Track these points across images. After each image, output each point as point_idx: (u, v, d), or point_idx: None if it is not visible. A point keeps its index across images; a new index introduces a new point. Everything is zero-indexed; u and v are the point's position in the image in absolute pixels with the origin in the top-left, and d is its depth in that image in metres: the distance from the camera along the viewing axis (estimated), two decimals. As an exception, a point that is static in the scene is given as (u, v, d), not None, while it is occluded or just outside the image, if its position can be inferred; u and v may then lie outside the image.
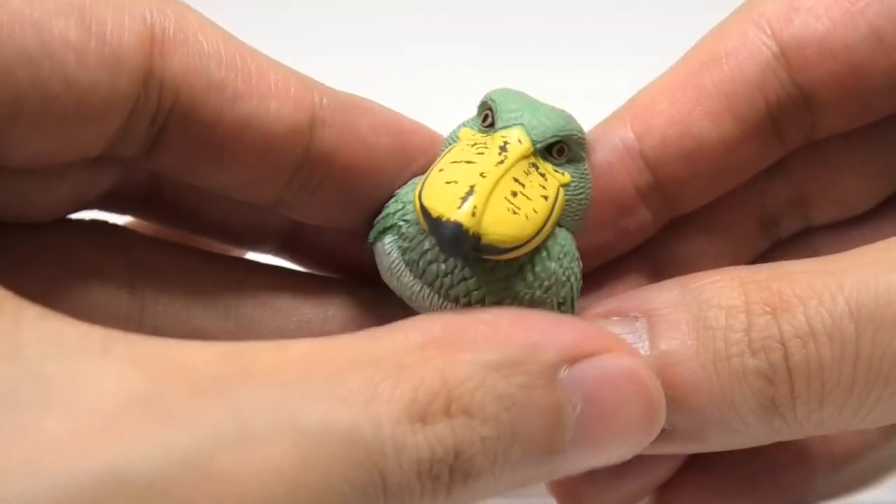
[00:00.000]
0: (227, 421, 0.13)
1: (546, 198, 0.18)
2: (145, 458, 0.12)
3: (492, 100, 0.19)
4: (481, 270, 0.18)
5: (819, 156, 0.23)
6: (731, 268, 0.19)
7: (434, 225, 0.16)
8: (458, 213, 0.16)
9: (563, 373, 0.16)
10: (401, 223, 0.18)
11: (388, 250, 0.19)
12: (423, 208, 0.16)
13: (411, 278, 0.18)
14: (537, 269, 0.18)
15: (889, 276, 0.17)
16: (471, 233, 0.16)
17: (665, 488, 0.23)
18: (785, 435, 0.18)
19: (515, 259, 0.18)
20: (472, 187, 0.16)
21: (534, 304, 0.18)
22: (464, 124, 0.20)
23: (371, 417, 0.14)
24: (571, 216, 0.19)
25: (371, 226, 0.20)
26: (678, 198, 0.22)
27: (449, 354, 0.15)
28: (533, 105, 0.19)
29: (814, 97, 0.21)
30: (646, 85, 0.22)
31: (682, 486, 0.23)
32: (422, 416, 0.14)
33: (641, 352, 0.18)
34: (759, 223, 0.24)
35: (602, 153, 0.21)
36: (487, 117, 0.19)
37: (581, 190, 0.19)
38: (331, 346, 0.15)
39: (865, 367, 0.17)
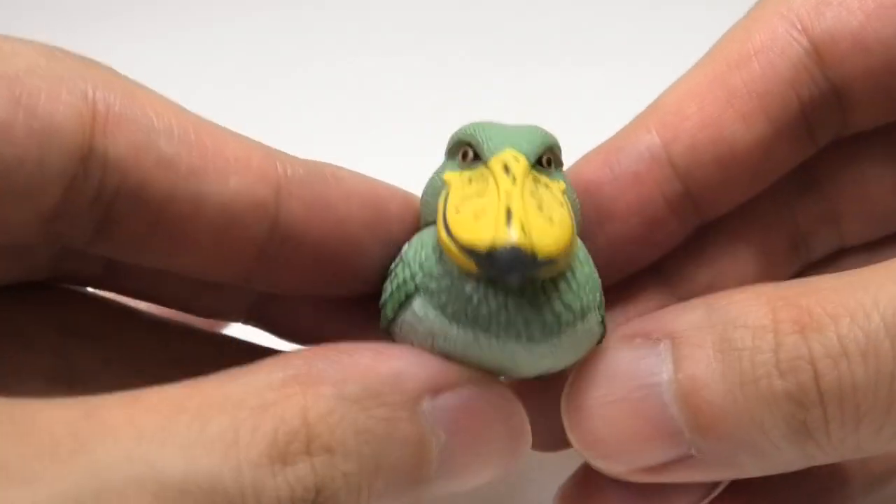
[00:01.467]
0: (87, 479, 0.13)
1: (561, 204, 0.17)
2: None
3: (469, 135, 0.18)
4: (531, 295, 0.17)
5: (853, 170, 0.23)
6: (758, 285, 0.18)
7: (487, 258, 0.15)
8: (511, 236, 0.15)
9: (426, 404, 0.16)
10: (427, 282, 0.17)
11: (421, 315, 0.17)
12: (464, 247, 0.15)
13: (462, 332, 0.17)
14: (577, 275, 0.17)
15: None
16: (528, 252, 0.15)
17: None
18: (820, 459, 0.17)
19: (557, 272, 0.17)
20: (508, 209, 0.16)
21: (584, 312, 0.17)
22: (439, 172, 0.19)
23: (231, 463, 0.14)
24: (576, 220, 0.19)
25: (365, 305, 0.19)
26: (708, 205, 0.21)
27: (310, 389, 0.15)
28: (507, 128, 0.19)
29: (847, 93, 0.20)
30: (669, 87, 0.21)
31: None
32: (282, 457, 0.14)
33: (665, 376, 0.17)
34: (790, 242, 0.23)
35: (627, 163, 0.20)
36: (467, 154, 0.18)
37: (573, 192, 0.19)
38: (190, 391, 0.15)
39: None
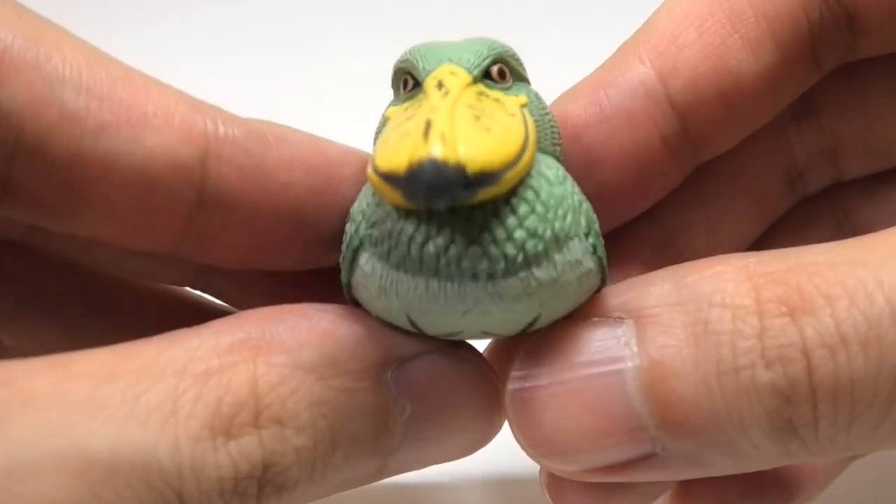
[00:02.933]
0: None
1: (511, 115, 0.14)
2: None
3: (404, 59, 0.16)
4: (483, 223, 0.14)
5: (856, 98, 0.20)
6: (735, 255, 0.15)
7: (406, 181, 0.13)
8: (427, 149, 0.12)
9: (391, 373, 0.15)
10: (367, 233, 0.15)
11: (368, 270, 0.15)
12: (384, 175, 0.13)
13: (411, 280, 0.14)
14: (542, 196, 0.15)
15: None
16: (451, 164, 0.12)
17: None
18: (802, 458, 0.15)
19: (515, 194, 0.14)
20: (428, 122, 0.13)
21: (559, 239, 0.15)
22: (385, 109, 0.16)
23: (168, 437, 0.13)
24: (548, 140, 0.16)
25: (327, 276, 0.17)
26: (708, 144, 0.19)
27: (261, 356, 0.14)
28: (449, 44, 0.16)
29: (859, 17, 0.18)
30: (661, 6, 0.18)
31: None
32: (226, 430, 0.13)
33: (628, 362, 0.15)
34: (785, 178, 0.21)
35: (619, 100, 0.18)
36: (408, 82, 0.16)
37: (543, 109, 0.16)
38: (125, 356, 0.14)
39: None
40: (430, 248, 0.14)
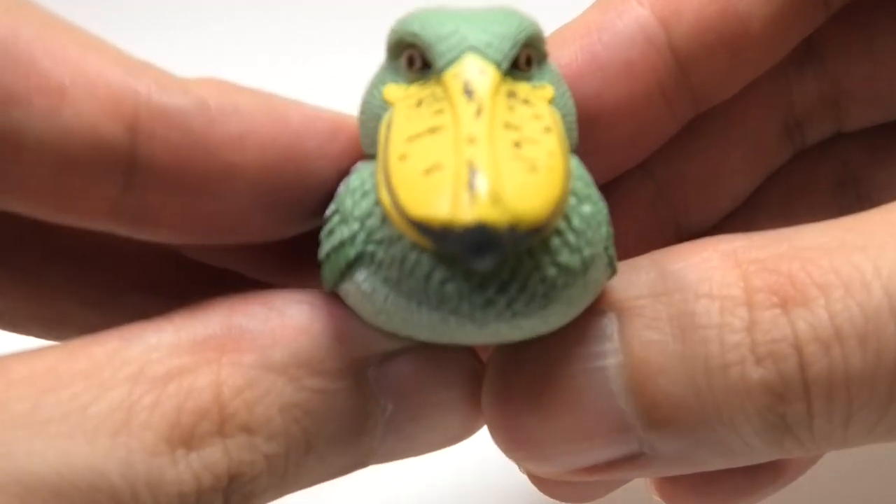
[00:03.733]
0: None
1: (548, 129, 0.13)
2: None
3: (411, 33, 0.14)
4: (515, 266, 0.13)
5: (861, 42, 0.19)
6: (726, 238, 0.14)
7: (444, 240, 0.11)
8: (478, 210, 0.11)
9: (371, 371, 0.14)
10: (371, 249, 0.13)
11: (368, 290, 0.13)
12: (415, 224, 0.11)
13: (425, 314, 0.13)
14: (574, 223, 0.13)
15: None
16: (502, 228, 0.11)
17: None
18: (796, 454, 0.14)
19: (546, 235, 0.13)
20: (470, 165, 0.11)
21: (586, 265, 0.13)
22: (381, 81, 0.14)
23: (119, 453, 0.12)
24: (568, 134, 0.14)
25: (301, 255, 0.15)
26: (708, 94, 0.18)
27: (226, 356, 0.13)
28: (467, 15, 0.14)
29: None
30: None
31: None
32: (185, 441, 0.12)
33: (612, 359, 0.14)
34: (783, 127, 0.20)
35: (616, 48, 0.16)
36: (414, 60, 0.14)
37: (565, 95, 0.15)
38: (72, 358, 0.12)
39: None
40: (451, 288, 0.13)
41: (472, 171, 0.11)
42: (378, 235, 0.13)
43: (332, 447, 0.14)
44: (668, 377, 0.14)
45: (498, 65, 0.13)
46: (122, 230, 0.15)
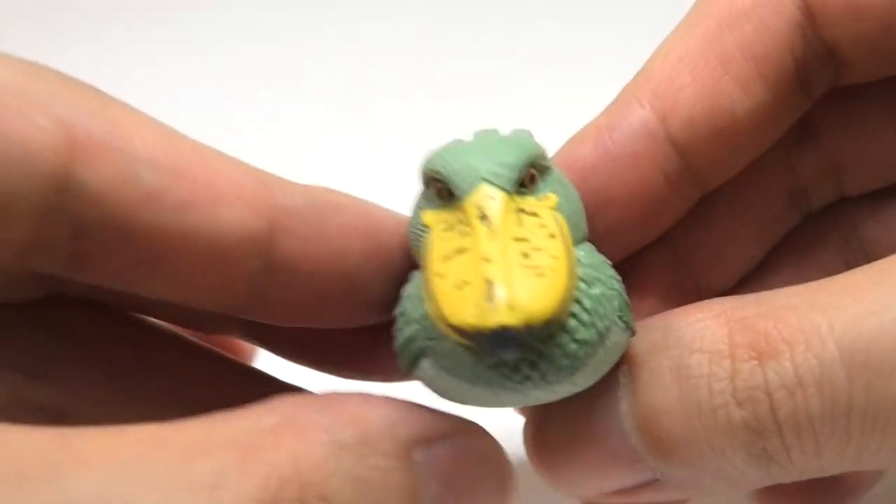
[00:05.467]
0: None
1: (553, 236, 0.15)
2: None
3: (436, 171, 0.17)
4: (541, 348, 0.16)
5: (852, 120, 0.21)
6: (720, 301, 0.17)
7: (476, 340, 0.14)
8: (497, 317, 0.14)
9: (418, 454, 0.15)
10: (431, 344, 0.16)
11: (433, 375, 0.16)
12: (454, 329, 0.14)
13: (479, 390, 0.16)
14: (586, 304, 0.16)
15: (885, 313, 0.15)
16: (518, 328, 0.14)
17: None
18: (787, 479, 0.17)
19: (559, 324, 0.16)
20: (488, 282, 0.14)
21: (603, 336, 0.16)
22: (419, 207, 0.17)
23: None
24: (575, 229, 0.17)
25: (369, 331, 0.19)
26: (709, 176, 0.20)
27: (302, 436, 0.14)
28: (479, 149, 0.17)
29: (840, 53, 0.19)
30: (657, 51, 0.20)
31: None
32: (274, 501, 0.13)
33: (624, 404, 0.17)
34: (789, 198, 0.22)
35: (623, 142, 0.19)
36: (442, 191, 0.17)
37: (569, 199, 0.17)
38: (175, 430, 0.14)
39: (860, 417, 0.15)
40: (495, 372, 0.15)
41: (489, 285, 0.14)
42: (433, 334, 0.16)
43: None
44: (668, 418, 0.16)
45: (505, 187, 0.16)
46: (249, 310, 0.18)
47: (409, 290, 0.17)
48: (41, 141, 0.15)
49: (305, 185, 0.18)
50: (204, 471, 0.13)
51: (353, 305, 0.18)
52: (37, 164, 0.15)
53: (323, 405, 0.15)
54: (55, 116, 0.15)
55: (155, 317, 0.20)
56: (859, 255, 0.22)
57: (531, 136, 0.18)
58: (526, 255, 0.15)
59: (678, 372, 0.16)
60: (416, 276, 0.17)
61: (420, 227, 0.17)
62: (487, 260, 0.14)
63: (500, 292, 0.14)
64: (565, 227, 0.16)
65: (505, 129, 0.18)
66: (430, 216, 0.17)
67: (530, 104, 0.21)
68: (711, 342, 0.16)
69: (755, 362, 0.16)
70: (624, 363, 0.17)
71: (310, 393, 0.16)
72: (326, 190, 0.18)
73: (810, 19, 0.19)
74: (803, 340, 0.15)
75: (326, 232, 0.17)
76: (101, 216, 0.16)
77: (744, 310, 0.16)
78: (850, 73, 0.20)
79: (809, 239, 0.23)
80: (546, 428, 0.18)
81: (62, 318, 0.19)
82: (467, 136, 0.18)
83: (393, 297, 0.18)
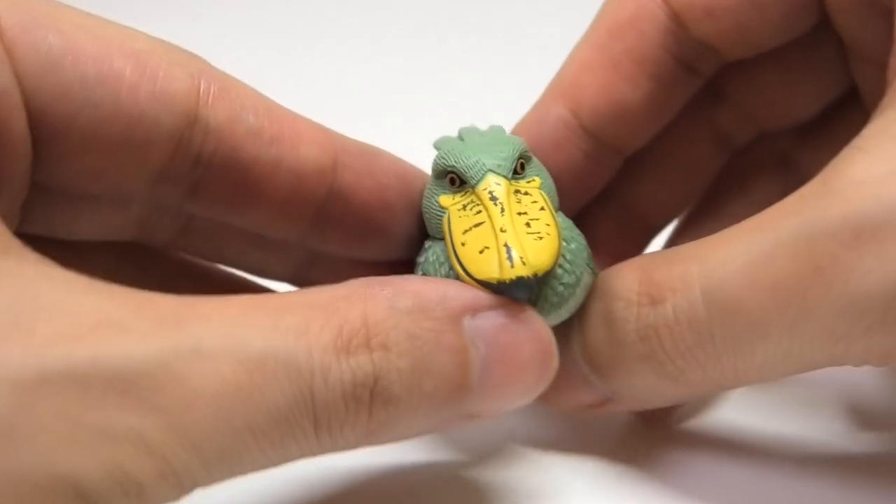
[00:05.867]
0: (184, 341, 0.15)
1: (543, 208, 0.20)
2: (116, 356, 0.15)
3: (451, 166, 0.21)
4: (540, 288, 0.20)
5: (751, 81, 0.25)
6: (641, 257, 0.21)
7: (498, 288, 0.19)
8: (515, 271, 0.18)
9: (467, 321, 0.18)
10: None
11: None
12: (481, 282, 0.19)
13: None
14: (568, 257, 0.21)
15: (732, 263, 0.18)
16: (529, 278, 0.19)
17: None
18: (696, 392, 0.21)
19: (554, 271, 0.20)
20: (507, 246, 0.19)
21: (579, 279, 0.21)
22: (434, 193, 0.22)
23: (303, 346, 0.16)
24: (553, 201, 0.22)
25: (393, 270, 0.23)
26: (623, 147, 0.25)
27: (369, 301, 0.17)
28: (482, 146, 0.21)
29: (710, 44, 0.23)
30: (567, 58, 0.24)
31: None
32: (346, 349, 0.17)
33: (575, 339, 0.21)
34: (712, 141, 0.26)
35: (547, 133, 0.24)
36: (455, 180, 0.21)
37: (547, 178, 0.22)
38: (268, 297, 0.17)
39: (721, 346, 0.19)
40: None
41: (507, 248, 0.19)
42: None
43: (443, 375, 0.18)
44: (601, 352, 0.21)
45: (507, 177, 0.21)
46: (313, 236, 0.22)
47: (429, 257, 0.21)
48: (178, 88, 0.19)
49: (354, 139, 0.22)
50: (293, 321, 0.16)
51: (390, 236, 0.23)
52: (175, 104, 0.19)
53: (387, 283, 0.18)
54: (187, 72, 0.20)
55: (225, 264, 0.24)
56: (791, 181, 0.25)
57: (503, 130, 0.23)
58: (528, 225, 0.20)
59: (605, 315, 0.21)
60: (432, 246, 0.22)
61: (437, 208, 0.22)
62: (503, 230, 0.19)
63: (515, 254, 0.19)
64: (549, 201, 0.21)
65: (484, 124, 0.23)
66: (445, 199, 0.21)
67: (517, 102, 0.26)
68: (626, 291, 0.20)
69: (649, 307, 0.20)
70: None
71: (374, 277, 0.19)
72: (369, 144, 0.23)
73: (679, 24, 0.22)
74: (680, 287, 0.19)
75: (373, 170, 0.22)
76: (215, 148, 0.20)
77: (652, 264, 0.20)
78: (728, 55, 0.23)
79: (747, 172, 0.27)
80: None
81: (149, 259, 0.23)
82: (452, 131, 0.23)
83: (415, 236, 0.23)
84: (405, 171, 0.23)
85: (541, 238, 0.19)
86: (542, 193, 0.21)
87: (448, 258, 0.20)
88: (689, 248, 0.20)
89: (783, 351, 0.18)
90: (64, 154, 0.19)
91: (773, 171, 0.27)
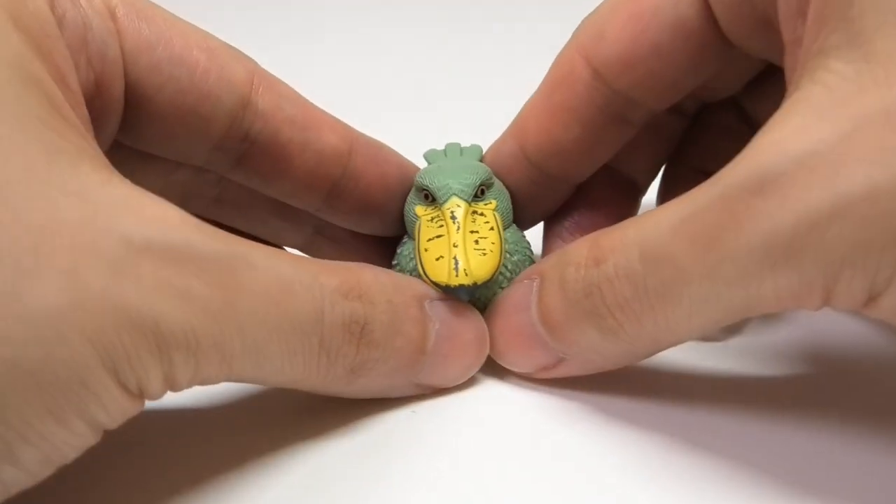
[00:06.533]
0: (241, 252, 0.20)
1: (493, 228, 0.25)
2: (198, 242, 0.19)
3: (426, 186, 0.26)
4: (482, 292, 0.25)
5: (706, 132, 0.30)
6: (597, 232, 0.23)
7: (446, 289, 0.24)
8: (458, 279, 0.24)
9: (427, 303, 0.23)
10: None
11: None
12: (434, 283, 0.24)
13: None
14: (510, 266, 0.26)
15: (663, 223, 0.20)
16: (469, 285, 0.24)
17: None
18: (634, 348, 0.22)
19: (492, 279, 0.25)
20: (455, 258, 0.24)
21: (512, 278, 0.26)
22: (413, 202, 0.27)
23: (318, 284, 0.21)
24: (507, 219, 0.27)
25: (384, 244, 0.29)
26: (566, 175, 0.28)
27: (363, 272, 0.22)
28: (454, 171, 0.26)
29: (631, 95, 0.26)
30: (523, 105, 0.28)
31: None
32: (346, 295, 0.21)
33: (533, 304, 0.24)
34: (668, 113, 0.29)
35: (503, 163, 0.28)
36: (428, 196, 0.26)
37: (504, 201, 0.27)
38: (296, 258, 0.22)
39: (654, 296, 0.20)
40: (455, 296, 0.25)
41: (455, 260, 0.24)
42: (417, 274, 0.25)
43: (408, 337, 0.23)
44: (557, 312, 0.23)
45: (467, 199, 0.25)
46: (327, 208, 0.27)
47: (403, 251, 0.27)
48: (238, 77, 0.24)
49: (359, 132, 0.28)
50: (312, 267, 0.21)
51: (386, 214, 0.28)
52: (234, 88, 0.24)
53: (381, 270, 0.23)
54: (244, 67, 0.25)
55: (247, 230, 0.28)
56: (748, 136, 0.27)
57: (480, 150, 0.29)
58: (476, 242, 0.24)
59: (560, 280, 0.23)
60: (406, 243, 0.27)
61: (412, 215, 0.27)
62: (455, 245, 0.24)
63: (461, 266, 0.24)
64: (500, 222, 0.26)
65: (465, 141, 0.29)
66: (420, 209, 0.26)
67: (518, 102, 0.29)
68: (578, 257, 0.23)
69: (595, 268, 0.22)
70: (535, 275, 0.24)
71: (360, 263, 0.24)
72: (374, 138, 0.28)
73: (601, 80, 0.26)
74: (619, 247, 0.21)
75: (378, 159, 0.27)
76: (261, 128, 0.25)
77: (602, 234, 0.22)
78: (653, 104, 0.26)
79: (709, 131, 0.30)
80: (491, 318, 0.25)
81: None
82: (440, 144, 0.29)
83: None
84: (403, 164, 0.28)
85: (485, 254, 0.24)
86: (496, 214, 0.26)
87: (415, 257, 0.25)
88: (631, 219, 0.22)
89: (705, 294, 0.20)
90: (147, 117, 0.24)
91: (732, 127, 0.29)
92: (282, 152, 0.26)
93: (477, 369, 0.25)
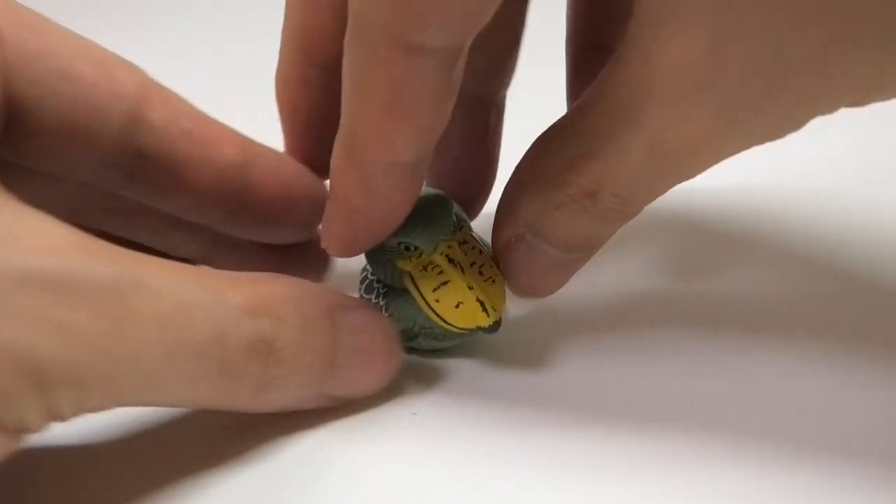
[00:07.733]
0: (135, 274, 0.19)
1: (481, 251, 0.24)
2: (83, 271, 0.18)
3: (409, 244, 0.24)
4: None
5: None
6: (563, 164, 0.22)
7: (477, 331, 0.23)
8: (492, 318, 0.23)
9: (339, 315, 0.22)
10: (424, 331, 0.25)
11: (423, 343, 0.25)
12: (463, 329, 0.23)
13: (447, 344, 0.25)
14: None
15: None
16: (497, 321, 0.23)
17: None
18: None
19: None
20: (479, 300, 0.23)
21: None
22: (389, 257, 0.24)
23: (221, 302, 0.20)
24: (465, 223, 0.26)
25: (287, 252, 0.28)
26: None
27: (273, 284, 0.21)
28: (426, 217, 0.24)
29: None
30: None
31: None
32: (253, 312, 0.20)
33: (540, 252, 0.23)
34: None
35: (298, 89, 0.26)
36: (409, 248, 0.24)
37: (462, 213, 0.26)
38: (196, 266, 0.21)
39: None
40: (462, 337, 0.25)
41: (480, 302, 0.23)
42: (427, 324, 0.24)
43: (318, 351, 0.21)
44: (577, 234, 0.23)
45: (453, 235, 0.24)
46: (227, 221, 0.26)
47: (390, 307, 0.25)
48: (128, 90, 0.23)
49: (267, 146, 0.26)
50: (216, 284, 0.20)
51: (290, 221, 0.27)
52: (124, 102, 0.23)
53: (293, 281, 0.22)
54: (135, 79, 0.23)
55: (144, 242, 0.26)
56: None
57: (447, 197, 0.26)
58: (481, 273, 0.24)
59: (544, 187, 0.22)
60: (393, 298, 0.25)
61: (390, 267, 0.24)
62: (471, 287, 0.23)
63: (487, 305, 0.23)
64: (477, 239, 0.25)
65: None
66: (403, 263, 0.24)
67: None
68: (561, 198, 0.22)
69: (590, 199, 0.22)
70: (520, 228, 0.23)
71: (273, 273, 0.22)
72: (274, 149, 0.27)
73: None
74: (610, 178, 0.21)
75: (279, 168, 0.26)
76: (153, 143, 0.24)
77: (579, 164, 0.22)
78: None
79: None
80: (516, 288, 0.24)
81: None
82: None
83: (310, 219, 0.27)
84: (304, 173, 0.27)
85: (494, 282, 0.24)
86: (473, 235, 0.25)
87: (419, 311, 0.24)
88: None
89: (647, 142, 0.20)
90: (29, 132, 0.22)
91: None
92: (177, 168, 0.24)
93: (388, 381, 0.24)
